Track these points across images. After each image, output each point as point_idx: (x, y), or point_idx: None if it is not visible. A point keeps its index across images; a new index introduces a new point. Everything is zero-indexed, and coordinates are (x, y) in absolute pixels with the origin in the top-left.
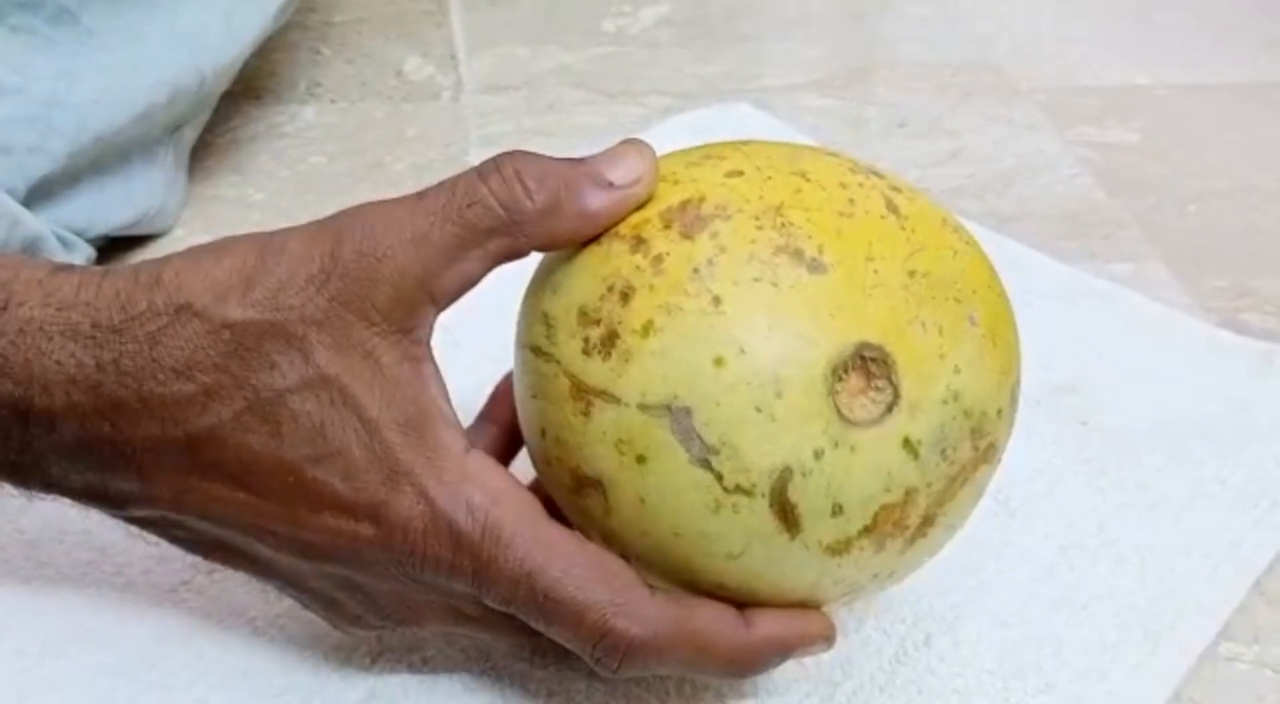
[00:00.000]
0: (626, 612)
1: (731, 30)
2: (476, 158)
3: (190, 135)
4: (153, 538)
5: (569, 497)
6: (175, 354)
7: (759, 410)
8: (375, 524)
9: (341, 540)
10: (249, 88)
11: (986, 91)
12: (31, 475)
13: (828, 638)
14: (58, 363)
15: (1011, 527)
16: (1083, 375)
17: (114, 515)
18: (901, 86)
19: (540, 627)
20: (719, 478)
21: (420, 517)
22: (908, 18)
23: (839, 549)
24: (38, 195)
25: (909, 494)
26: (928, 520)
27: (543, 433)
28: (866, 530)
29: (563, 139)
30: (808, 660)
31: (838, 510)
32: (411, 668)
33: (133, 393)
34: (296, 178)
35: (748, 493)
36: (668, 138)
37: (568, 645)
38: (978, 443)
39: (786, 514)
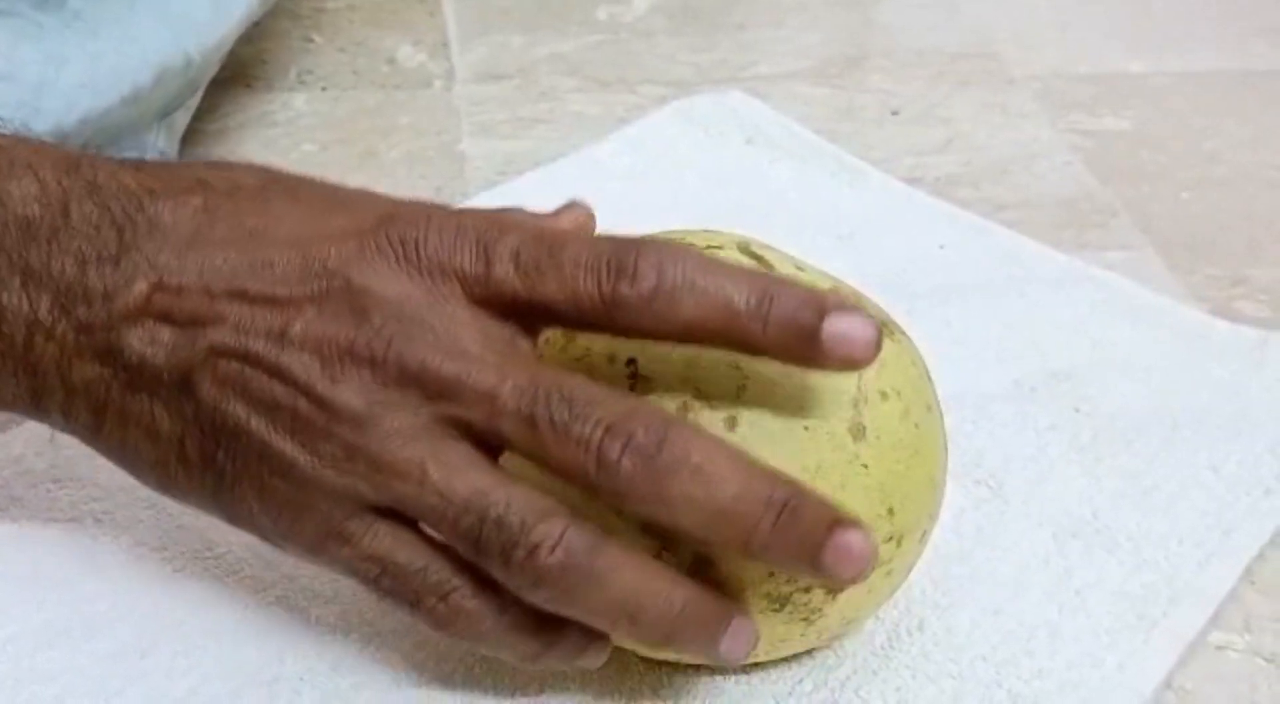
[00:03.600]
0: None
1: (725, 18)
2: (469, 146)
3: (182, 120)
4: (144, 527)
5: None
6: None
7: None
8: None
9: (349, 239)
10: (240, 75)
11: (981, 79)
12: None
13: None
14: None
15: (1005, 513)
16: (1076, 363)
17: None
18: (895, 74)
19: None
20: None
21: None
22: (902, 5)
23: None
24: None
25: None
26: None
27: None
28: None
29: (557, 127)
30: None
31: None
32: (404, 655)
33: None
34: (288, 166)
35: None
36: (662, 126)
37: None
38: None
39: None
